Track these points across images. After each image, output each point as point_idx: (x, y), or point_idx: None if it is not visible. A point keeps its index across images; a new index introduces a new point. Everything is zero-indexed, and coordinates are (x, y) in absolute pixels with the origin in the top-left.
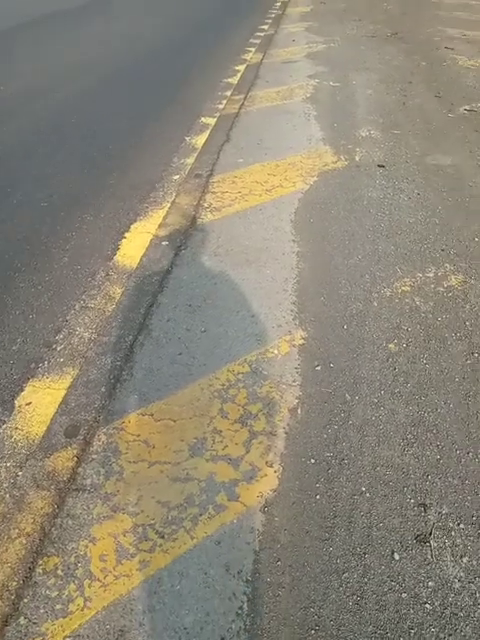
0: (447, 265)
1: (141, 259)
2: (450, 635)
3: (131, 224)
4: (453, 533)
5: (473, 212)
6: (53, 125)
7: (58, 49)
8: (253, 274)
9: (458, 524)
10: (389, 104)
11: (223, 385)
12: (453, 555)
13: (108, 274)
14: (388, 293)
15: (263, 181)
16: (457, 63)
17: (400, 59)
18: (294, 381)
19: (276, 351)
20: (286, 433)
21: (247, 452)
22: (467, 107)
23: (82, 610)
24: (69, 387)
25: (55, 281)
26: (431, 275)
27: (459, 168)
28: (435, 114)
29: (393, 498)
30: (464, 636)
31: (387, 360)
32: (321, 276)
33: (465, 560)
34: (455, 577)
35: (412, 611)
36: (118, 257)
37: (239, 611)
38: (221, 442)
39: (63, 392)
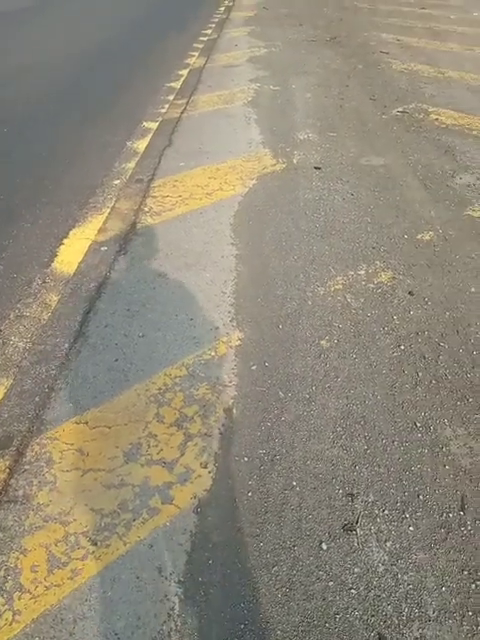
0: (377, 262)
1: (79, 265)
2: (373, 616)
3: (70, 230)
4: (378, 520)
5: (403, 210)
6: None
7: None
8: (193, 277)
9: (383, 511)
10: (327, 107)
11: (160, 389)
12: (378, 541)
13: (45, 281)
14: (322, 292)
15: (204, 185)
16: (391, 67)
17: (338, 63)
18: (230, 382)
19: (213, 353)
20: (221, 434)
21: (182, 455)
22: (400, 109)
23: (10, 625)
24: (2, 398)
25: None
26: (362, 273)
27: (391, 168)
28: (370, 116)
29: (322, 490)
30: (385, 615)
31: (319, 356)
32: (258, 278)
33: (389, 544)
34: (379, 561)
35: (338, 597)
36: (55, 264)
37: (170, 612)
38: (156, 446)
39: None
